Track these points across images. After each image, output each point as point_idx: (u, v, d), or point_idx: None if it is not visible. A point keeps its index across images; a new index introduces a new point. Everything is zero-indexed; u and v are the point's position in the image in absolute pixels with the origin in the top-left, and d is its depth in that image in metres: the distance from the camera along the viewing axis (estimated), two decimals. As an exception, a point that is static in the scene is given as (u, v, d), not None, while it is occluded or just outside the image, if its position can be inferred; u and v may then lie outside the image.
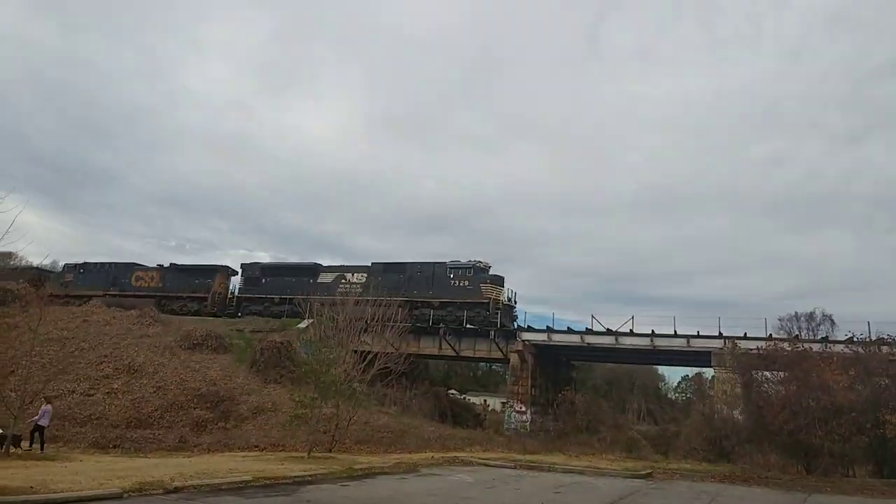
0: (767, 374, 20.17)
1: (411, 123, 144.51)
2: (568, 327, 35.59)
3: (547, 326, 35.17)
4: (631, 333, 32.54)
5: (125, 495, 9.13)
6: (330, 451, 20.30)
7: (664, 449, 25.44)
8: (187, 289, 44.64)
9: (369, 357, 25.60)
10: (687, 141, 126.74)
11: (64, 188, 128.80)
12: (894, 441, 15.74)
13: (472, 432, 27.77)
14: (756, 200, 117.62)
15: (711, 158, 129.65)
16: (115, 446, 21.88)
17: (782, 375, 19.30)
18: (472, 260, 37.70)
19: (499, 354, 37.03)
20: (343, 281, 39.72)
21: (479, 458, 17.75)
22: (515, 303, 38.50)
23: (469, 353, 38.93)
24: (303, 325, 38.39)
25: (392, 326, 28.25)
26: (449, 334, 37.64)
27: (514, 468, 16.51)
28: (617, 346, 33.58)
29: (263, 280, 43.18)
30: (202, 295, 44.32)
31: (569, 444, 22.29)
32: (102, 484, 9.77)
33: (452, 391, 67.87)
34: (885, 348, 20.47)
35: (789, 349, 18.88)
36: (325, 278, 40.71)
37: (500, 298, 36.76)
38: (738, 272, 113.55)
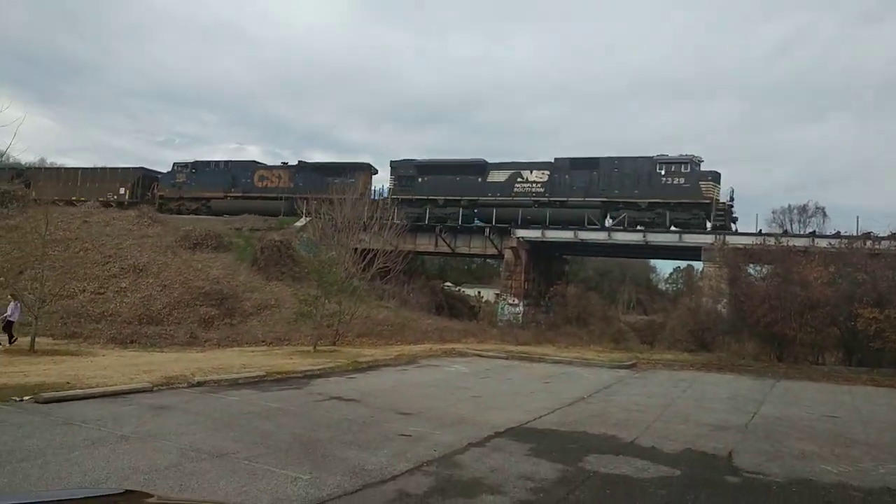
0: (752, 269, 21.08)
1: (403, 6, 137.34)
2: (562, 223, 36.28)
3: (541, 224, 35.83)
4: (623, 229, 33.25)
5: (154, 388, 9.97)
6: (334, 344, 21.51)
7: (651, 340, 26.93)
8: (324, 189, 39.70)
9: (368, 256, 26.45)
10: (699, 23, 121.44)
11: (43, 81, 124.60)
12: (864, 333, 16.82)
13: (468, 324, 29.13)
14: (763, 86, 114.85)
15: (719, 40, 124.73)
16: (132, 342, 23.02)
17: (766, 271, 20.23)
18: (686, 154, 32.61)
19: (493, 251, 38.01)
20: (520, 179, 35.22)
21: (474, 350, 18.92)
22: (733, 201, 32.38)
23: (464, 250, 39.90)
24: (300, 223, 39.05)
25: (390, 226, 28.73)
26: (444, 232, 38.39)
27: (507, 359, 17.68)
28: (610, 242, 34.37)
29: (420, 179, 38.08)
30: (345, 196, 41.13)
31: (559, 336, 23.61)
32: (133, 378, 10.62)
33: (448, 284, 69.94)
34: (868, 243, 21.24)
35: (774, 246, 19.62)
36: (497, 176, 36.04)
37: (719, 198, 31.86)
38: (738, 163, 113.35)
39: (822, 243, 23.85)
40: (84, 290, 30.58)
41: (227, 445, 6.55)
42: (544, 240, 35.65)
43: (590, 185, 32.87)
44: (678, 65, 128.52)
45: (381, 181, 52.01)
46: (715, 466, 6.85)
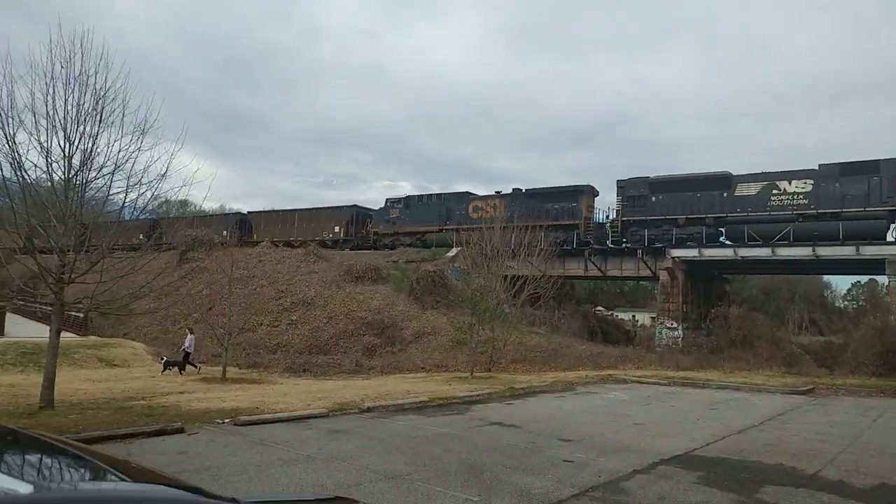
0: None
1: (544, 34, 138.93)
2: (721, 240, 34.19)
3: (698, 242, 34.05)
4: (789, 243, 30.59)
5: (330, 414, 11.13)
6: (489, 370, 22.15)
7: (829, 363, 24.37)
8: (544, 216, 36.78)
9: (518, 282, 26.93)
10: (845, 25, 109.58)
11: (216, 134, 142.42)
12: None
13: (624, 349, 28.37)
14: None
15: (871, 41, 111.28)
16: (304, 370, 25.45)
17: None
18: None
19: (647, 272, 36.70)
20: (776, 191, 31.40)
21: (633, 376, 18.47)
22: None
23: (616, 273, 38.96)
24: (451, 254, 40.65)
25: (538, 251, 29.07)
26: (594, 255, 37.83)
27: (669, 385, 17.06)
28: (773, 258, 31.79)
29: (653, 198, 35.21)
30: (568, 222, 37.35)
31: (723, 360, 22.20)
32: (310, 404, 11.92)
33: (599, 308, 68.34)
34: None
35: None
36: (746, 189, 32.38)
37: None
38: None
39: None
40: (262, 324, 34.37)
41: (399, 468, 7.24)
42: (702, 258, 33.83)
43: (869, 192, 28.23)
44: (835, 66, 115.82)
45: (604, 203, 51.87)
46: (916, 504, 6.29)
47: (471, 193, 42.44)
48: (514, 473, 7.11)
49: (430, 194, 44.04)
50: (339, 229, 48.52)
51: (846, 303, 74.44)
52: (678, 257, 33.71)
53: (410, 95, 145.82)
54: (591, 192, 38.46)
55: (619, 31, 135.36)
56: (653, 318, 42.16)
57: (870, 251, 28.08)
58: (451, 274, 38.37)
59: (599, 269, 37.89)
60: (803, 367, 20.97)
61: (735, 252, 32.43)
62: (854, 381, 17.71)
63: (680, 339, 33.12)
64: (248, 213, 56.21)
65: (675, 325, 33.73)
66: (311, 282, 39.26)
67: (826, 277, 69.26)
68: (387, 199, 46.11)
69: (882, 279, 32.18)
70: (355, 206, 50.57)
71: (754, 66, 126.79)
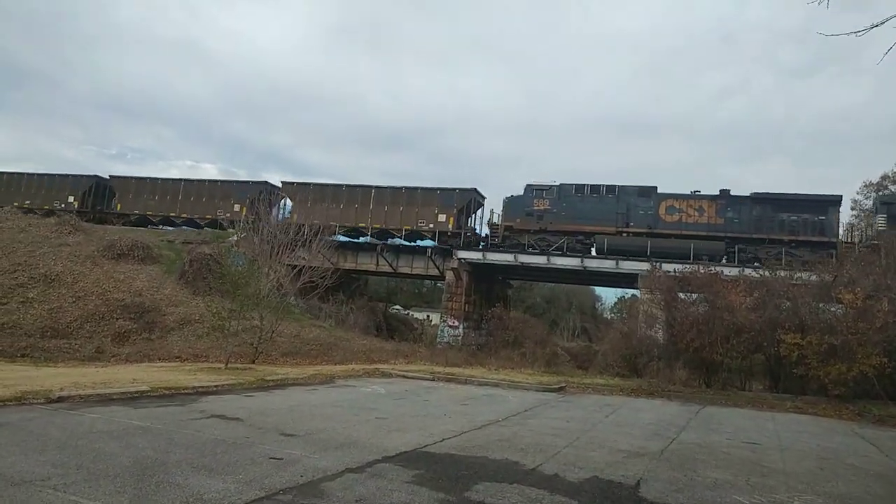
0: (684, 296, 20.96)
1: (366, 35, 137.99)
2: (503, 247, 35.94)
3: (482, 245, 35.37)
4: (563, 254, 33.13)
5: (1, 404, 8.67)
6: (253, 362, 20.20)
7: (585, 365, 26.55)
8: (779, 229, 29.27)
9: (296, 270, 25.28)
10: (647, 69, 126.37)
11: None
12: (788, 359, 16.75)
13: (401, 345, 28.16)
14: (709, 130, 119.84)
15: (669, 88, 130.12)
16: (23, 355, 21.08)
17: (696, 297, 20.13)
18: None
19: (435, 272, 37.30)
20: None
21: (400, 371, 17.96)
22: None
23: (406, 270, 39.07)
24: (234, 238, 37.39)
25: (321, 241, 27.67)
26: (386, 251, 37.48)
27: (433, 380, 16.80)
28: (549, 266, 34.21)
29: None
30: (813, 238, 28.58)
31: (491, 358, 22.89)
32: (-19, 393, 9.26)
33: (396, 307, 68.68)
34: (790, 275, 21.50)
35: (703, 272, 19.58)
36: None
37: None
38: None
39: (749, 272, 24.18)
40: (-21, 299, 28.24)
41: (38, 470, 5.45)
42: (485, 262, 35.21)
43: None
44: (631, 106, 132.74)
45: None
46: (618, 496, 6.13)
47: (657, 189, 32.65)
48: (195, 474, 5.69)
49: (599, 185, 33.48)
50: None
51: (612, 314, 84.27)
52: (464, 259, 34.72)
53: (224, 75, 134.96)
54: (836, 203, 30.01)
55: (437, 42, 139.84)
56: (427, 315, 43.10)
57: (626, 266, 31.42)
58: (232, 260, 35.24)
59: (390, 265, 37.68)
60: (562, 367, 22.41)
61: (515, 258, 34.29)
62: (601, 380, 19.13)
63: (460, 338, 34.09)
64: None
65: (456, 323, 34.65)
66: (60, 255, 33.42)
67: (598, 291, 77.55)
68: (528, 186, 34.71)
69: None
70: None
71: (559, 94, 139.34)
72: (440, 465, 6.92)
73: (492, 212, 36.17)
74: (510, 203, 34.36)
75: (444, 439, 8.49)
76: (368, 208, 37.02)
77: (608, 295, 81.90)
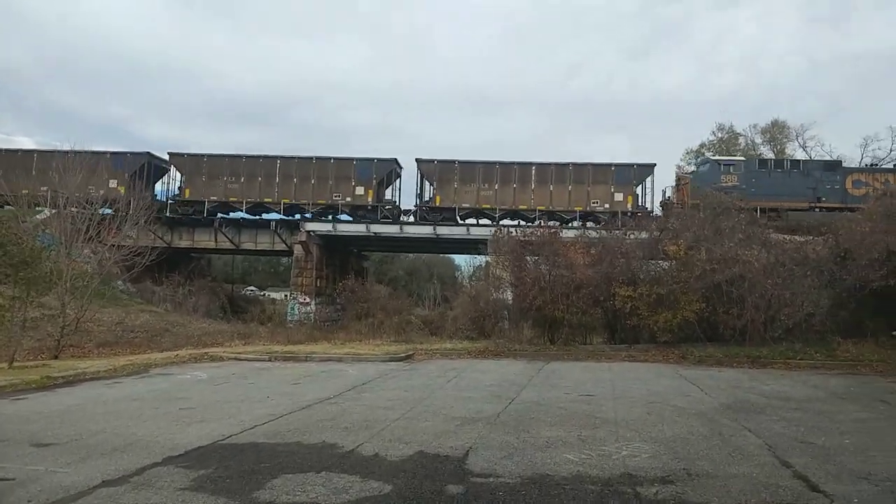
0: (529, 258, 21.22)
1: (216, 2, 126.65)
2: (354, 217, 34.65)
3: (332, 217, 33.79)
4: (414, 223, 32.66)
5: None
6: (55, 357, 17.36)
7: (440, 331, 26.32)
8: None
9: (108, 249, 22.25)
10: (503, 44, 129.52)
11: None
12: (622, 311, 17.51)
13: (242, 326, 26.09)
14: (560, 103, 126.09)
15: (523, 62, 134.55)
16: None
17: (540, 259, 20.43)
18: None
19: (282, 246, 35.13)
20: None
21: (232, 353, 16.28)
22: None
23: (250, 246, 36.47)
24: (41, 216, 32.27)
25: (136, 220, 24.59)
26: (225, 226, 34.58)
27: (269, 360, 15.37)
28: (402, 235, 33.63)
29: None
30: None
31: (340, 332, 21.80)
32: None
33: (251, 288, 64.76)
34: (624, 232, 22.65)
35: (543, 231, 19.90)
36: None
37: None
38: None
39: (591, 234, 25.25)
40: None
41: None
42: (336, 233, 33.76)
43: None
44: (488, 80, 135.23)
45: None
46: (441, 473, 5.40)
47: (841, 163, 33.36)
48: None
49: (782, 159, 33.76)
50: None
51: (472, 283, 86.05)
52: (312, 231, 33.00)
53: (43, 37, 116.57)
54: None
55: (292, 12, 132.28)
56: (286, 295, 40.79)
57: (476, 232, 31.63)
58: (41, 241, 30.46)
59: (231, 241, 34.90)
60: (413, 334, 21.83)
61: (368, 228, 33.21)
62: (449, 345, 18.80)
63: (313, 314, 32.53)
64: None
65: (307, 299, 32.99)
66: None
67: (457, 261, 78.70)
68: (710, 159, 33.64)
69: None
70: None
71: (418, 64, 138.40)
72: (237, 459, 5.77)
73: (663, 191, 33.84)
74: (697, 178, 31.61)
75: (255, 426, 7.31)
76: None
77: (465, 264, 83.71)
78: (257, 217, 34.93)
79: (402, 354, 16.18)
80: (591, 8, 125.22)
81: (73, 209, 22.86)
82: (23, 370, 13.33)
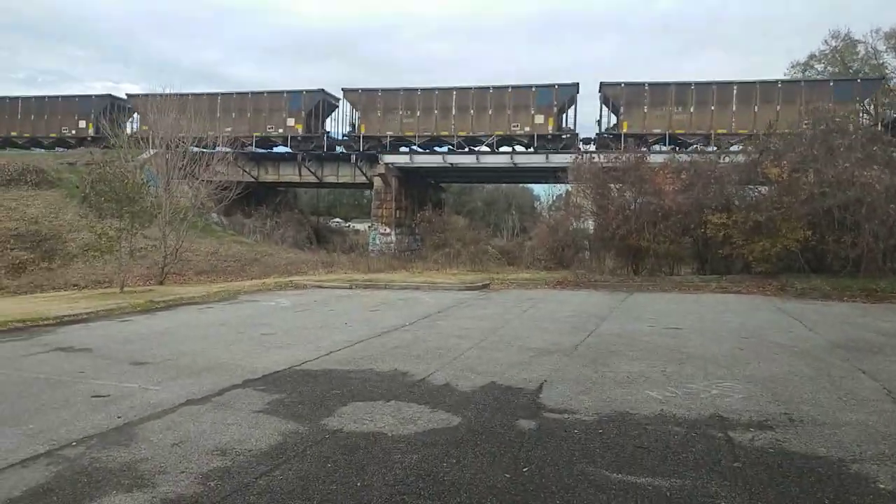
0: (613, 186, 20.20)
1: None
2: (434, 148, 34.22)
3: (410, 148, 33.51)
4: (492, 152, 31.80)
5: None
6: (161, 283, 18.61)
7: (517, 261, 26.03)
8: None
9: (212, 185, 23.19)
10: None
11: None
12: (714, 240, 16.41)
13: (326, 255, 26.77)
14: (644, 24, 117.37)
15: None
16: None
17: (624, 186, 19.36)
18: None
19: (363, 179, 35.41)
20: None
21: (315, 281, 16.77)
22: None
23: (332, 179, 36.94)
24: (145, 155, 34.10)
25: (225, 155, 25.29)
26: (309, 160, 35.17)
27: (350, 288, 15.71)
28: (479, 166, 32.93)
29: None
30: None
31: (417, 262, 21.96)
32: None
33: (336, 219, 66.57)
34: (718, 154, 21.01)
35: (628, 157, 18.71)
36: None
37: None
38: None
39: (682, 157, 23.58)
40: None
41: None
42: (413, 165, 33.59)
43: None
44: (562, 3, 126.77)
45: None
46: (512, 406, 5.22)
47: None
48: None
49: None
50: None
51: (551, 212, 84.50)
52: (391, 163, 32.94)
53: None
54: None
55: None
56: (368, 226, 41.40)
57: (556, 159, 30.40)
58: (145, 178, 32.29)
59: (315, 175, 35.50)
60: (489, 264, 21.66)
61: (444, 159, 32.77)
62: (527, 274, 18.52)
63: (392, 244, 33.02)
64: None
65: (388, 230, 33.40)
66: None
67: (536, 190, 77.08)
68: None
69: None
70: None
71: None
72: (310, 385, 5.84)
73: None
74: None
75: (330, 353, 7.41)
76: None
77: (546, 194, 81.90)
78: (339, 153, 35.14)
79: (479, 284, 16.07)
80: None
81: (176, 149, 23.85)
82: (132, 294, 14.37)
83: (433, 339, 8.37)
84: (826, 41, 44.40)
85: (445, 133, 32.10)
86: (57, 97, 38.35)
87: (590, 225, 20.81)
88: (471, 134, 31.72)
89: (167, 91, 26.07)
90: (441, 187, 44.63)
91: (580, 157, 23.81)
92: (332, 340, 8.20)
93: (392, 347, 7.78)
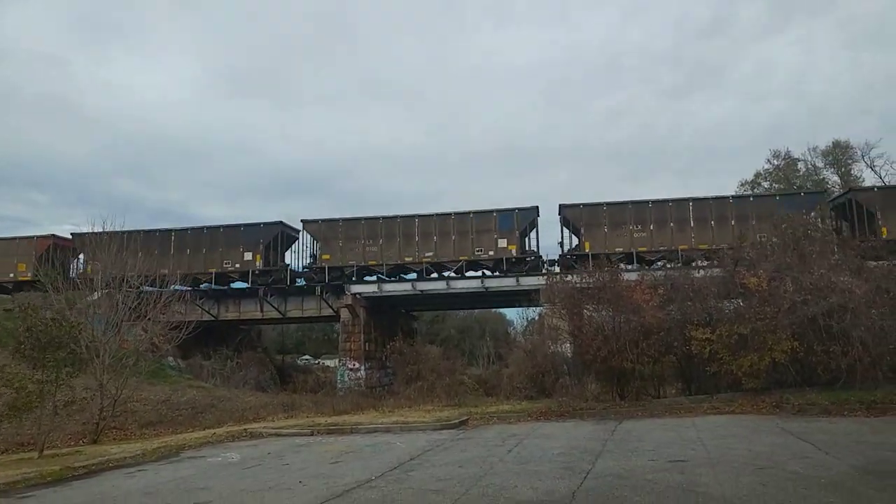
0: (590, 305, 19.52)
1: (259, 82, 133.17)
2: (400, 276, 33.67)
3: (377, 276, 32.90)
4: (461, 277, 31.37)
5: None
6: (95, 441, 16.57)
7: (495, 391, 24.53)
8: None
9: (155, 326, 21.73)
10: (539, 97, 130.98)
11: None
12: (699, 357, 15.53)
13: (287, 398, 24.93)
14: (600, 152, 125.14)
15: (561, 113, 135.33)
16: None
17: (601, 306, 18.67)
18: None
19: (329, 312, 34.30)
20: None
21: (274, 428, 15.05)
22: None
23: (297, 314, 35.77)
24: (92, 297, 32.57)
25: (182, 294, 24.21)
26: (271, 294, 34.11)
27: (311, 435, 14.08)
28: (449, 291, 32.28)
29: None
30: None
31: (387, 398, 20.35)
32: None
33: (306, 357, 64.06)
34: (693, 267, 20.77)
35: (600, 274, 18.20)
36: None
37: None
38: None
39: (658, 274, 23.34)
40: None
41: None
42: (382, 294, 32.76)
43: None
44: (523, 138, 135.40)
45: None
46: None
47: None
48: None
49: None
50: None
51: (527, 336, 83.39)
52: (358, 293, 32.08)
53: (106, 133, 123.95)
54: None
55: (333, 85, 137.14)
56: (337, 361, 39.64)
57: (527, 282, 30.02)
58: (95, 322, 30.56)
59: (278, 310, 34.31)
60: (467, 397, 20.16)
61: (413, 286, 32.13)
62: (507, 406, 17.13)
63: (362, 380, 31.26)
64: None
65: (357, 365, 31.79)
66: None
67: (509, 315, 76.49)
68: None
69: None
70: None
71: (454, 129, 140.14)
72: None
73: None
74: None
75: (274, 527, 5.96)
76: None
77: (519, 318, 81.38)
78: (302, 286, 34.26)
79: (455, 420, 14.61)
80: (625, 53, 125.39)
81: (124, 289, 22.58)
82: (51, 459, 12.49)
83: (405, 499, 6.97)
84: (769, 160, 47.26)
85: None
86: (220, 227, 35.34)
87: (567, 347, 19.83)
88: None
89: (108, 228, 24.56)
90: (412, 316, 43.66)
91: (551, 277, 23.33)
92: (278, 508, 6.74)
93: (351, 513, 6.37)
